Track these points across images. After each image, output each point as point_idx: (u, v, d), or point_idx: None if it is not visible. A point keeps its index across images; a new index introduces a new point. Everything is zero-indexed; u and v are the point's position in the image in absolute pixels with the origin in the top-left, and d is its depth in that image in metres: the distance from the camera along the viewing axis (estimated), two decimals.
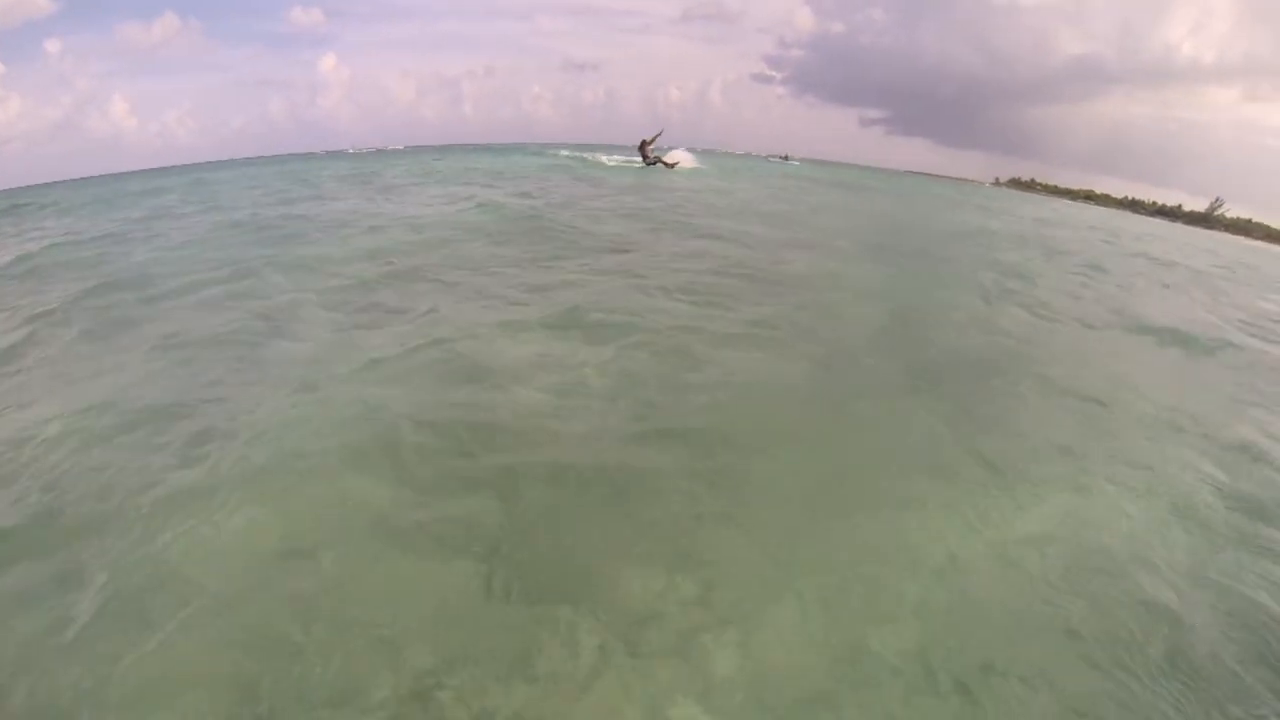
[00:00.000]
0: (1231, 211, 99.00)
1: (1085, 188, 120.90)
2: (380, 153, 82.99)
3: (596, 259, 13.07)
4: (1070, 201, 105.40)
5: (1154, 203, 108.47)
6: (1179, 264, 28.27)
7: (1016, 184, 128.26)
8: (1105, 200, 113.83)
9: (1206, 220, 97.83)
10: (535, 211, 18.32)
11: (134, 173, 69.28)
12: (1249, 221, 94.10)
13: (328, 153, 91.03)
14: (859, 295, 12.74)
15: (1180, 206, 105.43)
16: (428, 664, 3.58)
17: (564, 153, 65.14)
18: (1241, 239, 79.39)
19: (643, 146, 41.65)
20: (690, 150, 53.38)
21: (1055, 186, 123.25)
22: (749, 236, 17.74)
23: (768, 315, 10.40)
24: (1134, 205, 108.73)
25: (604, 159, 54.81)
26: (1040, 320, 12.78)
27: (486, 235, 14.90)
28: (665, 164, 41.60)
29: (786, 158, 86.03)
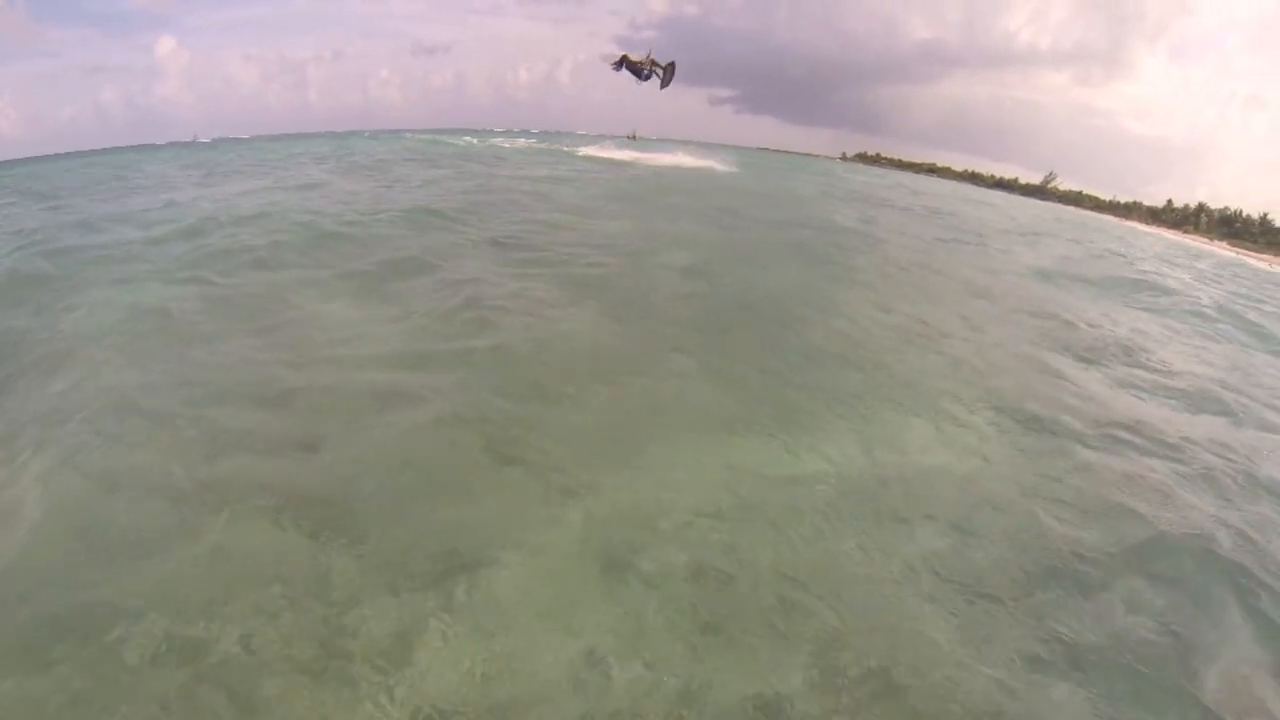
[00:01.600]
0: (1063, 185, 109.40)
1: (928, 161, 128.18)
2: (217, 143, 78.26)
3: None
4: (914, 174, 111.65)
5: (993, 176, 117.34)
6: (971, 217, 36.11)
7: (863, 158, 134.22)
8: (946, 173, 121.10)
9: (1041, 192, 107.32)
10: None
11: None
12: (1079, 194, 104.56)
13: (171, 144, 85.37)
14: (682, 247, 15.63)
15: (1017, 180, 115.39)
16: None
17: (420, 137, 67.76)
18: (1071, 208, 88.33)
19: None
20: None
21: (900, 160, 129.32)
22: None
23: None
24: (974, 178, 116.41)
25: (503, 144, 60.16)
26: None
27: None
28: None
29: (633, 136, 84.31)
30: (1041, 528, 5.63)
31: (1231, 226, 76.41)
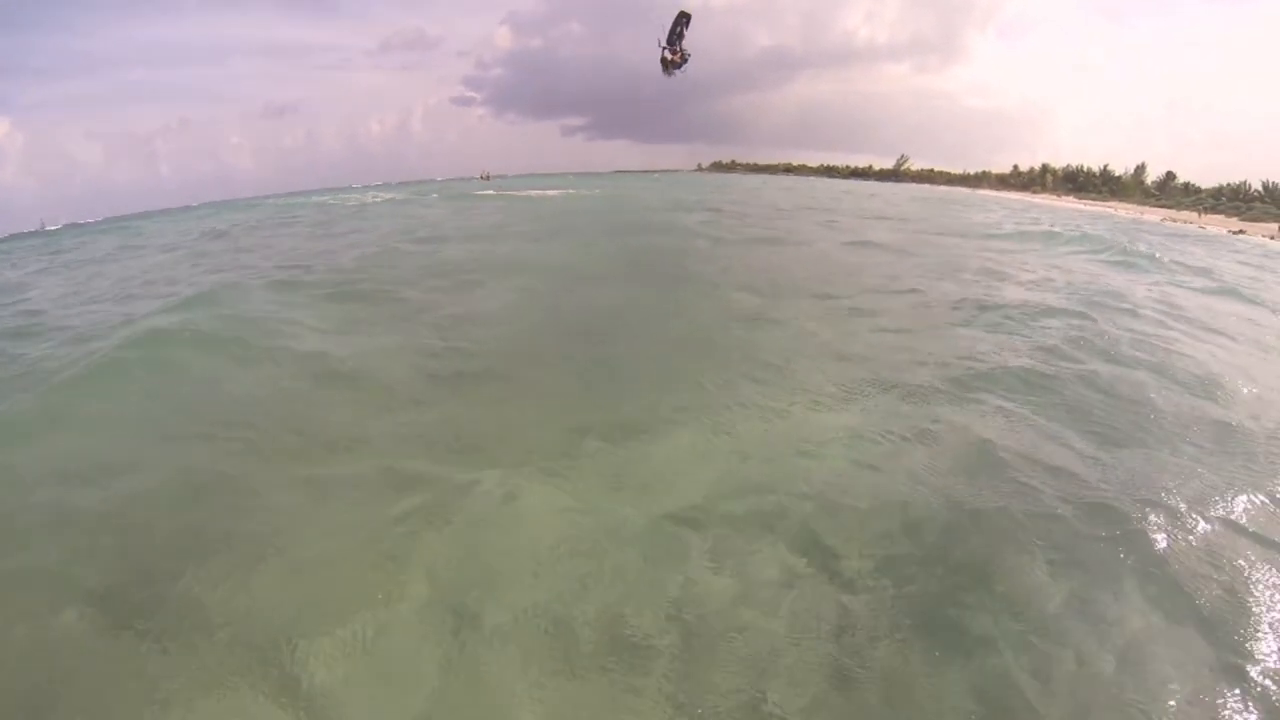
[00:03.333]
0: (915, 165, 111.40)
1: (784, 162, 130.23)
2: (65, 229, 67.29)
3: None
4: (770, 175, 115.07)
5: (847, 166, 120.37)
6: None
7: (718, 166, 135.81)
8: (802, 170, 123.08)
9: (896, 175, 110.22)
10: None
11: None
12: (931, 171, 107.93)
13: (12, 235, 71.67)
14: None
15: (871, 166, 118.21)
16: None
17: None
18: (925, 185, 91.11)
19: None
20: None
21: (755, 164, 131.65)
22: None
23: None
24: (829, 171, 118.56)
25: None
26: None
27: None
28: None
29: (486, 177, 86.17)
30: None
31: (1075, 181, 79.01)
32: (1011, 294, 14.63)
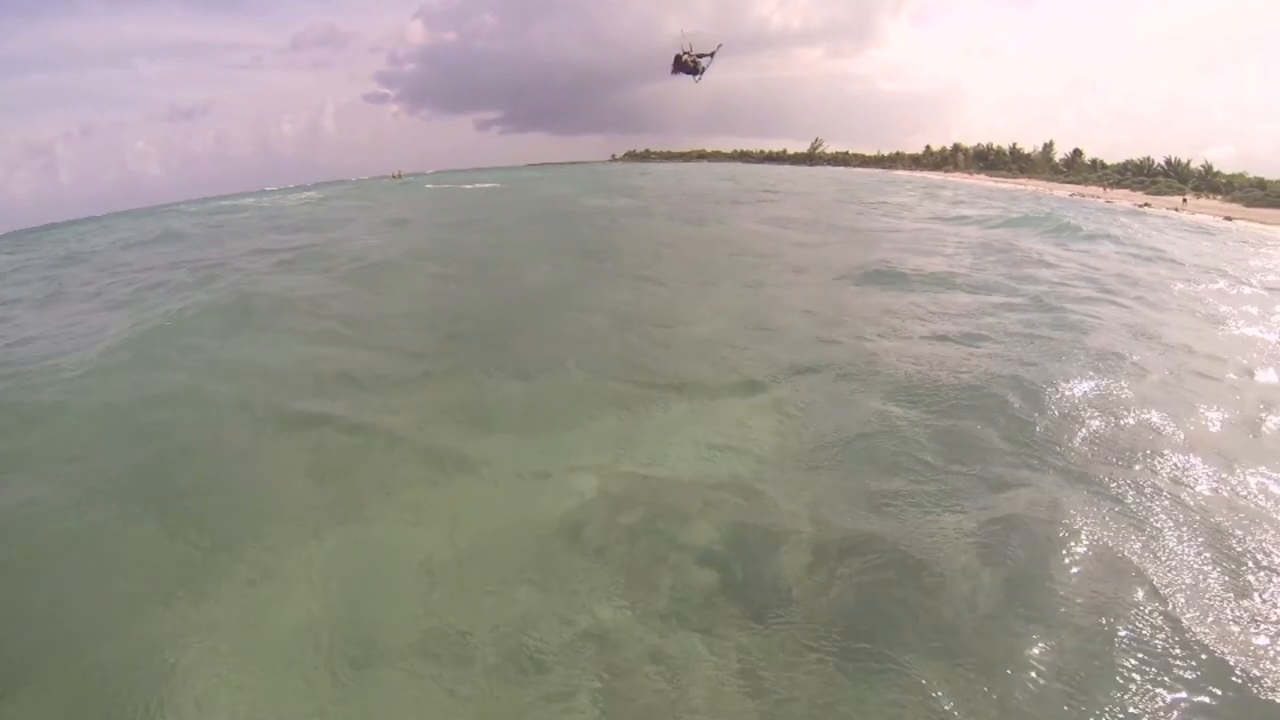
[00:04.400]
0: (830, 148, 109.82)
1: (698, 149, 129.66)
2: None
3: None
4: (684, 163, 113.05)
5: (762, 151, 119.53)
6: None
7: (632, 156, 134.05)
8: (716, 156, 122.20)
9: (810, 158, 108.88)
10: None
11: None
12: (846, 153, 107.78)
13: None
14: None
15: (785, 150, 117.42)
16: None
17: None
18: (840, 168, 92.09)
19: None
20: None
21: (669, 152, 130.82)
22: None
23: None
24: (744, 156, 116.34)
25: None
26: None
27: None
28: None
29: (397, 175, 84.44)
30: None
31: (986, 160, 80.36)
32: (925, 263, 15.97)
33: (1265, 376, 8.88)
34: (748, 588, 4.57)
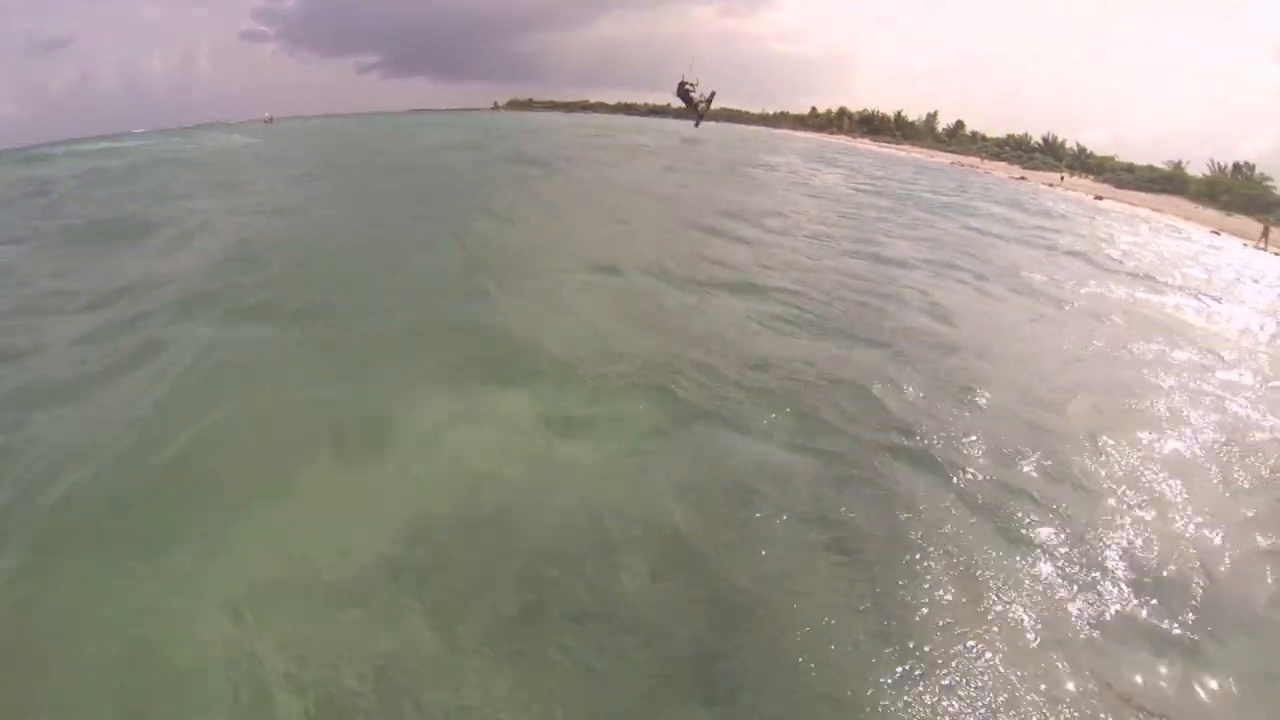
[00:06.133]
0: (720, 104, 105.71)
1: (581, 100, 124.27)
2: None
3: None
4: (567, 113, 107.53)
5: (646, 104, 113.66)
6: None
7: (515, 104, 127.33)
8: (599, 108, 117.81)
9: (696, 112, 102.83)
10: None
11: None
12: (731, 110, 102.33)
13: None
14: None
15: (669, 105, 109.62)
16: None
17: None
18: (724, 124, 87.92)
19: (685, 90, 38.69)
20: None
21: (553, 102, 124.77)
22: None
23: None
24: (628, 109, 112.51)
25: None
26: None
27: None
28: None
29: (269, 119, 79.81)
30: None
31: (870, 125, 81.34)
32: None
33: None
34: (574, 603, 3.96)
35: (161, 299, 8.63)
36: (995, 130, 69.99)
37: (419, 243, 12.02)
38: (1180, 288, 14.26)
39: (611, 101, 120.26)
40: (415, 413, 5.91)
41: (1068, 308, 11.13)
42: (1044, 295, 11.73)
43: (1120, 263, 16.44)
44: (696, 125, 42.18)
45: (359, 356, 7.01)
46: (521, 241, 12.10)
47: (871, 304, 9.65)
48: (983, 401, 6.83)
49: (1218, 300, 13.74)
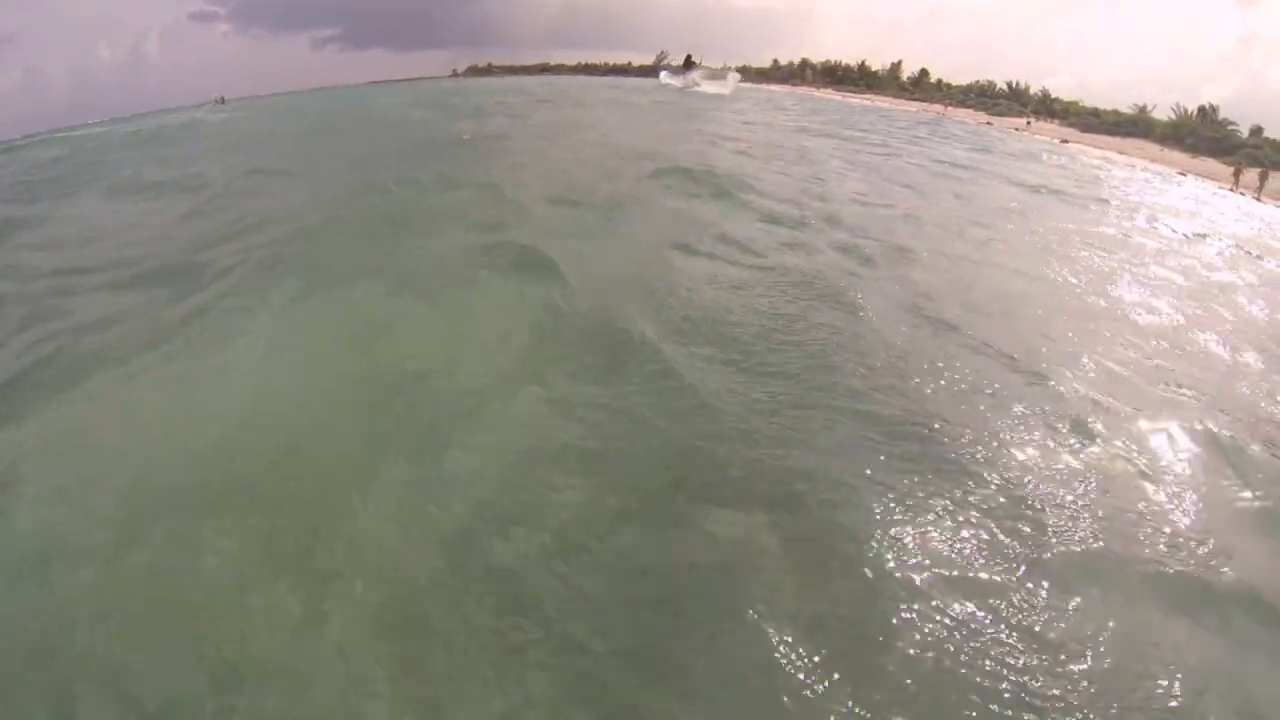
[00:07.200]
0: (677, 61, 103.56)
1: (541, 62, 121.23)
2: None
3: None
4: (528, 76, 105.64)
5: (606, 64, 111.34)
6: None
7: (474, 70, 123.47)
8: (560, 69, 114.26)
9: (656, 71, 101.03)
10: None
11: None
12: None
13: None
14: None
15: (630, 64, 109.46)
16: None
17: None
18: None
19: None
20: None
21: (513, 66, 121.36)
22: None
23: None
24: (589, 69, 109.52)
25: None
26: None
27: None
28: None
29: (221, 100, 75.90)
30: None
31: (834, 76, 79.29)
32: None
33: None
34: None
35: None
36: (960, 79, 68.95)
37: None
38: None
39: (572, 63, 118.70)
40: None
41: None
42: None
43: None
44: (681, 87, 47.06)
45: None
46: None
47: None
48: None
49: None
